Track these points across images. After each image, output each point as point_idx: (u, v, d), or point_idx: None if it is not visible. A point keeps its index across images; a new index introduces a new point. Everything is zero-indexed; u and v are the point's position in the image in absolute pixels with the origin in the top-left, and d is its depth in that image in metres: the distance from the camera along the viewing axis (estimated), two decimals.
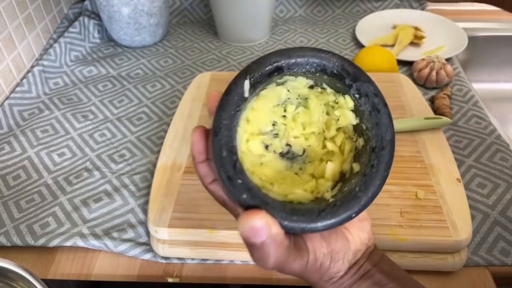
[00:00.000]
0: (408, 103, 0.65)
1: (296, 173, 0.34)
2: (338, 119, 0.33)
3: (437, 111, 0.69)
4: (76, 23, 0.90)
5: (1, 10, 0.73)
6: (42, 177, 0.61)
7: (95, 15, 0.95)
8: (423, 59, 0.77)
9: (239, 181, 0.28)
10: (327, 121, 0.34)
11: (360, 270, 0.33)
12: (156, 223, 0.50)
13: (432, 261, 0.48)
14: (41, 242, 0.52)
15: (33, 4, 0.83)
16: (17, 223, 0.55)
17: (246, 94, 0.29)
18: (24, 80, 0.77)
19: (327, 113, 0.34)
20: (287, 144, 0.35)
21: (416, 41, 0.88)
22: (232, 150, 0.28)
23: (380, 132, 0.30)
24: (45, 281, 0.40)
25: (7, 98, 0.75)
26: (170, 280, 0.50)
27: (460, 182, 0.53)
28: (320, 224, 0.28)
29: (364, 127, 0.31)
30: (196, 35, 0.95)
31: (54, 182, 0.60)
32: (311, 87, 0.33)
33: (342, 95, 0.32)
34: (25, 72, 0.80)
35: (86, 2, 0.97)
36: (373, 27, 0.93)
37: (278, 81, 0.32)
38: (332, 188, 0.32)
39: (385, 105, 0.30)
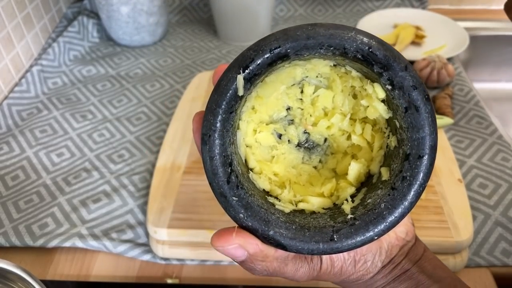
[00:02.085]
0: None
1: (315, 167, 0.29)
2: (366, 110, 0.27)
3: (438, 111, 0.69)
4: (75, 22, 0.90)
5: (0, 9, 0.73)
6: (40, 178, 0.61)
7: (94, 14, 0.95)
8: (424, 59, 0.77)
9: (234, 198, 0.24)
10: (354, 107, 0.28)
11: (397, 269, 0.29)
12: (156, 223, 0.49)
13: None
14: (40, 242, 0.52)
15: (32, 4, 0.83)
16: (16, 224, 0.54)
17: (241, 92, 0.24)
18: (23, 80, 0.76)
19: (354, 97, 0.28)
20: (305, 132, 0.29)
21: (417, 40, 0.88)
22: (226, 161, 0.24)
23: (417, 136, 0.23)
24: (44, 282, 0.40)
25: (5, 98, 0.74)
26: (169, 281, 0.50)
27: (461, 182, 0.53)
28: (332, 247, 0.24)
29: (398, 124, 0.25)
30: (195, 35, 0.95)
31: (52, 183, 0.60)
32: (334, 65, 0.27)
33: (371, 82, 0.25)
34: (23, 71, 0.80)
35: (85, 1, 0.97)
36: (374, 26, 0.93)
37: (287, 65, 0.26)
38: (354, 195, 0.27)
39: (427, 100, 0.23)
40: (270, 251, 0.26)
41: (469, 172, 0.59)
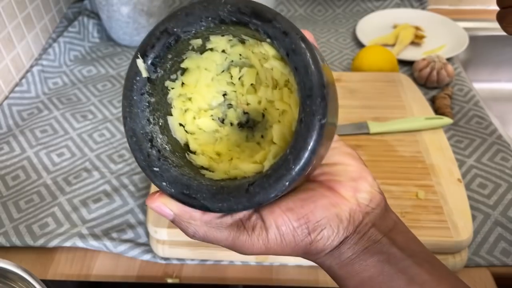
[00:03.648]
0: (408, 103, 0.65)
1: (258, 143, 0.30)
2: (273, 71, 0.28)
3: (438, 111, 0.69)
4: (76, 22, 0.90)
5: (0, 9, 0.73)
6: (41, 177, 0.61)
7: (95, 14, 0.95)
8: (423, 59, 0.77)
9: (155, 169, 0.27)
10: (274, 77, 0.29)
11: (364, 240, 0.27)
12: (156, 223, 0.50)
13: None
14: (40, 242, 0.52)
15: (33, 4, 0.83)
16: (16, 224, 0.54)
17: (145, 74, 0.27)
18: (23, 80, 0.77)
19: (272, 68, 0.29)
20: (245, 113, 0.31)
21: (417, 40, 0.88)
22: (145, 138, 0.27)
23: (302, 78, 0.24)
24: (44, 281, 0.40)
25: (6, 98, 0.75)
26: (169, 281, 0.50)
27: (461, 182, 0.53)
28: (250, 200, 0.25)
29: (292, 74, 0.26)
30: None
31: (53, 182, 0.60)
32: (242, 42, 0.28)
33: (260, 42, 0.27)
34: (24, 72, 0.80)
35: (86, 2, 0.97)
36: (373, 26, 0.93)
37: (195, 47, 0.28)
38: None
39: (303, 41, 0.24)
40: (196, 213, 0.27)
41: (468, 172, 0.60)
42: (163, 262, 0.51)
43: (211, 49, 0.29)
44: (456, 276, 0.28)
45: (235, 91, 0.30)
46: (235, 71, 0.30)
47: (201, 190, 0.26)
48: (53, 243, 0.52)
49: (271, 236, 0.27)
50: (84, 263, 0.52)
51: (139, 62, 0.26)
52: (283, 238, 0.27)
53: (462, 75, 0.79)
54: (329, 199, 0.27)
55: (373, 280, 0.27)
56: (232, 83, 0.30)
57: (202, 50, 0.29)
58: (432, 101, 0.73)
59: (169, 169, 0.27)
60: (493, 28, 0.97)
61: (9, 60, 0.76)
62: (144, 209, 0.56)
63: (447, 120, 0.60)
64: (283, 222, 0.27)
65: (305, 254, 0.28)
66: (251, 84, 0.30)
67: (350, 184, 0.28)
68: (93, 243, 0.52)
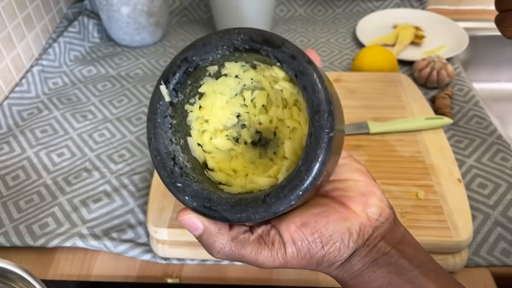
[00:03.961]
0: (408, 103, 0.65)
1: (271, 159, 0.33)
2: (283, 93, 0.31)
3: (437, 111, 0.69)
4: (76, 22, 0.90)
5: (0, 9, 0.73)
6: (41, 177, 0.61)
7: (95, 14, 0.95)
8: (423, 59, 0.77)
9: (179, 184, 0.29)
10: (284, 97, 0.32)
11: (373, 252, 0.29)
12: (156, 223, 0.50)
13: None
14: (40, 242, 0.52)
15: (33, 4, 0.83)
16: (16, 224, 0.54)
17: (167, 99, 0.30)
18: (23, 80, 0.77)
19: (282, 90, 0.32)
20: (258, 132, 0.33)
21: (417, 40, 0.88)
22: (168, 157, 0.29)
23: (310, 96, 0.26)
24: (44, 281, 0.40)
25: (6, 98, 0.75)
26: (169, 280, 0.50)
27: (461, 182, 0.53)
28: (267, 210, 0.27)
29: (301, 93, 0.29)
30: (196, 35, 0.95)
31: (53, 182, 0.60)
32: (253, 67, 0.31)
33: (270, 66, 0.30)
34: (24, 72, 0.80)
35: (86, 2, 0.97)
36: (373, 26, 0.93)
37: (211, 73, 0.31)
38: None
39: (309, 63, 0.27)
40: (223, 226, 0.29)
41: (468, 172, 0.60)
42: (163, 262, 0.52)
43: (226, 75, 0.32)
44: (460, 284, 0.29)
45: (248, 112, 0.33)
46: (247, 94, 0.32)
47: (221, 203, 0.28)
48: (53, 243, 0.52)
49: (288, 250, 0.28)
50: (84, 263, 0.52)
51: (163, 88, 0.29)
52: (299, 252, 0.29)
53: (462, 75, 0.79)
54: (340, 213, 0.29)
55: None
56: (245, 105, 0.33)
57: (217, 75, 0.31)
58: (432, 101, 0.73)
59: (190, 184, 0.29)
60: (493, 28, 0.97)
61: (9, 60, 0.76)
62: (144, 209, 0.56)
63: (447, 120, 0.60)
64: (299, 237, 0.28)
65: (319, 266, 0.30)
66: (263, 105, 0.33)
67: (360, 199, 0.30)
68: (93, 243, 0.52)
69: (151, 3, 0.84)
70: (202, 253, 0.50)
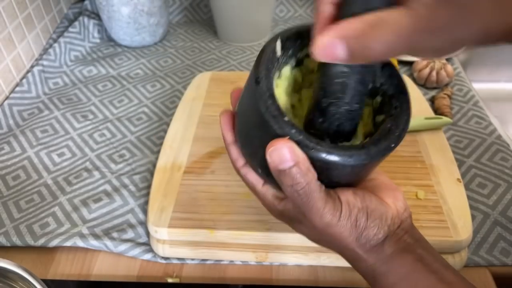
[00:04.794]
0: None
1: None
2: None
3: (437, 111, 0.69)
4: (76, 23, 0.90)
5: (0, 10, 0.73)
6: (41, 177, 0.61)
7: (95, 15, 0.95)
8: (423, 59, 0.77)
9: (286, 118, 0.29)
10: None
11: (401, 242, 0.32)
12: (156, 223, 0.50)
13: None
14: (40, 242, 0.52)
15: (33, 4, 0.83)
16: (17, 223, 0.54)
17: (279, 53, 0.32)
18: (24, 80, 0.77)
19: None
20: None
21: None
22: (273, 95, 0.30)
23: (394, 81, 0.33)
24: (44, 281, 0.40)
25: (6, 98, 0.75)
26: (170, 280, 0.50)
27: (460, 182, 0.53)
28: (367, 153, 0.30)
29: (378, 85, 0.34)
30: (196, 35, 0.95)
31: (53, 182, 0.60)
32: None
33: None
34: (24, 72, 0.80)
35: (86, 2, 0.97)
36: None
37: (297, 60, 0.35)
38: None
39: (403, 83, 0.33)
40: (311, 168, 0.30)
41: (468, 172, 0.60)
42: (163, 261, 0.52)
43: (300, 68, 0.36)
44: (471, 283, 0.32)
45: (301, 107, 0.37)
46: (305, 93, 0.36)
47: (320, 144, 0.29)
48: (54, 242, 0.52)
49: (344, 209, 0.31)
50: (85, 263, 0.52)
51: (278, 42, 0.32)
52: (351, 214, 0.31)
53: (462, 75, 0.79)
54: (378, 200, 0.33)
55: (409, 276, 0.31)
56: (300, 100, 0.37)
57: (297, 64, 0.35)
58: (432, 101, 0.73)
59: (290, 121, 0.30)
60: None
61: (9, 60, 0.76)
62: (144, 208, 0.56)
63: (446, 120, 0.61)
64: (353, 201, 0.31)
65: (356, 242, 0.32)
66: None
67: (390, 194, 0.33)
68: (94, 243, 0.52)
69: (151, 3, 0.85)
70: (202, 253, 0.50)
